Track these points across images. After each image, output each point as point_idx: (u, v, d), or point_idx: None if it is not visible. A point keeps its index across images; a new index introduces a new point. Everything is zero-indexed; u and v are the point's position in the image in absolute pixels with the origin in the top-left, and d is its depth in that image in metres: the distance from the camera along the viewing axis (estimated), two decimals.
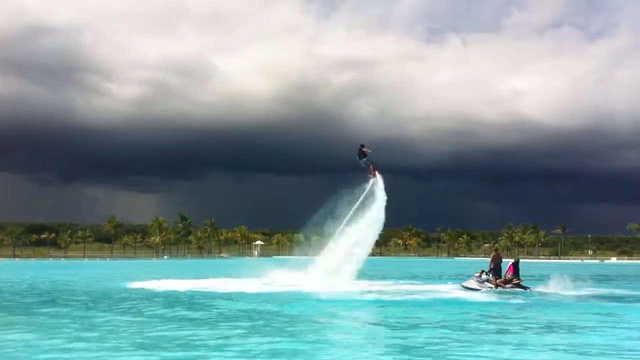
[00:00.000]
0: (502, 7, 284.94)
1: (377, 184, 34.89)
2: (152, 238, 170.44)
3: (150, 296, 24.92)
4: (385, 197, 34.38)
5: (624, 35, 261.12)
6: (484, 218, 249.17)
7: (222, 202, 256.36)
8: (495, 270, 27.37)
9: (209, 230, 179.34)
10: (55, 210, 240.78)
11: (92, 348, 12.29)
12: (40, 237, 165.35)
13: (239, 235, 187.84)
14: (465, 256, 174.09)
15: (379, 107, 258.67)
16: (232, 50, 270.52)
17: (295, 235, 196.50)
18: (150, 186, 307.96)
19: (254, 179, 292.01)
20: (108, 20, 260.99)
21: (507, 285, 26.75)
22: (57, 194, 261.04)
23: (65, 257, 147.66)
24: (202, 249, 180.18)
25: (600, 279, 45.57)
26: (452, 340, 13.40)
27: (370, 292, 26.15)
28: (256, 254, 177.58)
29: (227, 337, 13.57)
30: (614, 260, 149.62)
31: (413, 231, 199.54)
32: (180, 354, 11.82)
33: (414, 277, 44.42)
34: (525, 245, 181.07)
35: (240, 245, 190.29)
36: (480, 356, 11.62)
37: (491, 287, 26.80)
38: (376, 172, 35.34)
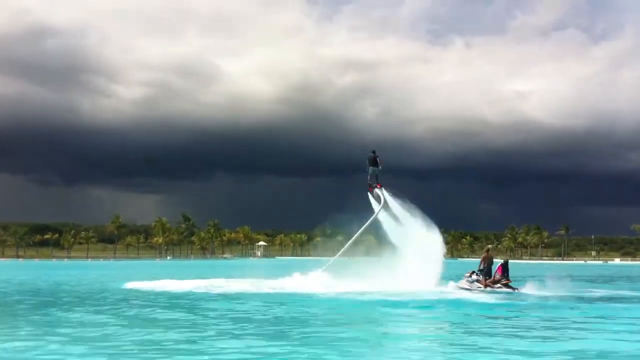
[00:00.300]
0: (506, 10, 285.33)
1: (387, 199, 32.16)
2: (155, 239, 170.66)
3: (140, 296, 24.74)
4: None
5: (628, 38, 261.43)
6: (486, 219, 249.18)
7: (225, 203, 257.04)
8: (486, 271, 27.84)
9: (212, 231, 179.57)
10: (58, 211, 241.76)
11: (41, 348, 12.02)
12: (44, 237, 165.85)
13: (242, 236, 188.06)
14: (468, 257, 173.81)
15: (382, 108, 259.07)
16: (236, 51, 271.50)
17: (298, 236, 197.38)
18: (154, 187, 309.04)
19: (257, 180, 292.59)
20: (112, 21, 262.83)
21: (496, 285, 27.19)
22: (61, 194, 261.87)
23: (69, 257, 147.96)
24: (205, 250, 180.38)
25: (596, 280, 45.48)
26: (454, 342, 13.36)
27: (371, 292, 26.04)
28: (259, 254, 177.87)
29: (192, 342, 12.98)
30: (617, 261, 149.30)
31: None
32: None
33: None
34: (529, 246, 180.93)
35: (243, 246, 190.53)
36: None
37: (480, 287, 27.30)
38: (381, 185, 32.82)
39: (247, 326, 15.66)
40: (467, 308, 20.37)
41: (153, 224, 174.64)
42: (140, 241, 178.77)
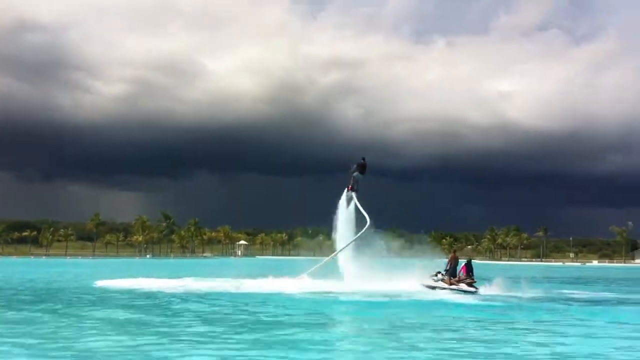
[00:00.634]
0: (490, 10, 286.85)
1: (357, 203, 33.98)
2: (135, 237, 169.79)
3: (105, 295, 24.88)
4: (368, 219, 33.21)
5: (610, 39, 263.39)
6: (467, 220, 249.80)
7: (206, 202, 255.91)
8: (451, 271, 28.99)
9: (192, 229, 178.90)
10: (37, 208, 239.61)
11: None
12: (22, 234, 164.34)
13: (222, 234, 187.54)
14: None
15: (365, 108, 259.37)
16: (220, 49, 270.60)
17: (279, 235, 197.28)
18: (134, 185, 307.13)
19: (239, 179, 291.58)
20: (95, 18, 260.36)
21: (460, 284, 28.14)
22: (40, 191, 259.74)
23: (47, 255, 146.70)
24: (185, 249, 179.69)
25: (558, 281, 46.21)
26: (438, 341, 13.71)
27: (353, 293, 26.43)
28: (239, 253, 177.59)
29: (127, 346, 12.66)
30: (595, 263, 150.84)
31: (396, 232, 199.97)
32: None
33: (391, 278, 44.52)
34: (508, 248, 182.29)
35: (223, 245, 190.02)
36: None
37: (444, 286, 28.36)
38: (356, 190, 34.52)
39: (199, 326, 15.72)
40: (411, 307, 20.83)
41: (133, 222, 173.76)
42: (120, 239, 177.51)
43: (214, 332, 14.66)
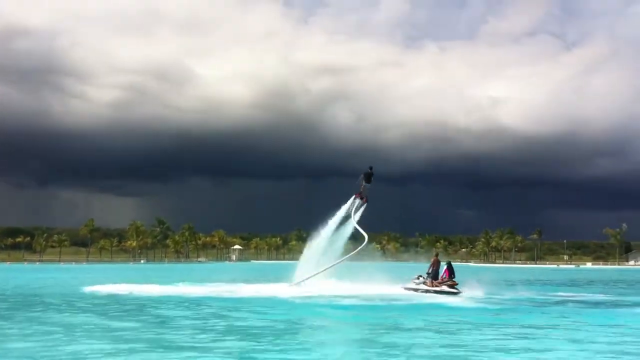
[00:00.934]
0: (479, 15, 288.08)
1: (358, 210, 34.91)
2: (129, 242, 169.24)
3: (92, 300, 24.75)
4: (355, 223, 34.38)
5: (599, 44, 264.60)
6: (461, 224, 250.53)
7: (200, 207, 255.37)
8: (433, 274, 29.55)
9: (186, 234, 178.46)
10: (31, 214, 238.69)
11: None
12: (16, 240, 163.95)
13: (217, 239, 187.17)
14: (442, 261, 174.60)
15: (357, 113, 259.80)
16: (211, 54, 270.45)
17: (274, 239, 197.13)
18: (128, 190, 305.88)
19: (232, 184, 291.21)
20: (85, 23, 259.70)
21: (443, 286, 28.64)
22: (33, 197, 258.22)
23: (41, 261, 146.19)
24: (179, 254, 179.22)
25: (544, 283, 46.29)
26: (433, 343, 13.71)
27: (348, 297, 26.43)
28: (234, 258, 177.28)
29: (108, 353, 12.65)
30: (589, 265, 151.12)
31: (391, 236, 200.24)
32: None
33: (387, 281, 44.57)
34: (502, 250, 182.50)
35: (218, 250, 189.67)
36: None
37: (426, 288, 29.10)
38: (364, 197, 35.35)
39: (181, 333, 15.62)
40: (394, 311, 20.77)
41: (127, 227, 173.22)
42: (114, 245, 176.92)
43: (201, 338, 14.53)
